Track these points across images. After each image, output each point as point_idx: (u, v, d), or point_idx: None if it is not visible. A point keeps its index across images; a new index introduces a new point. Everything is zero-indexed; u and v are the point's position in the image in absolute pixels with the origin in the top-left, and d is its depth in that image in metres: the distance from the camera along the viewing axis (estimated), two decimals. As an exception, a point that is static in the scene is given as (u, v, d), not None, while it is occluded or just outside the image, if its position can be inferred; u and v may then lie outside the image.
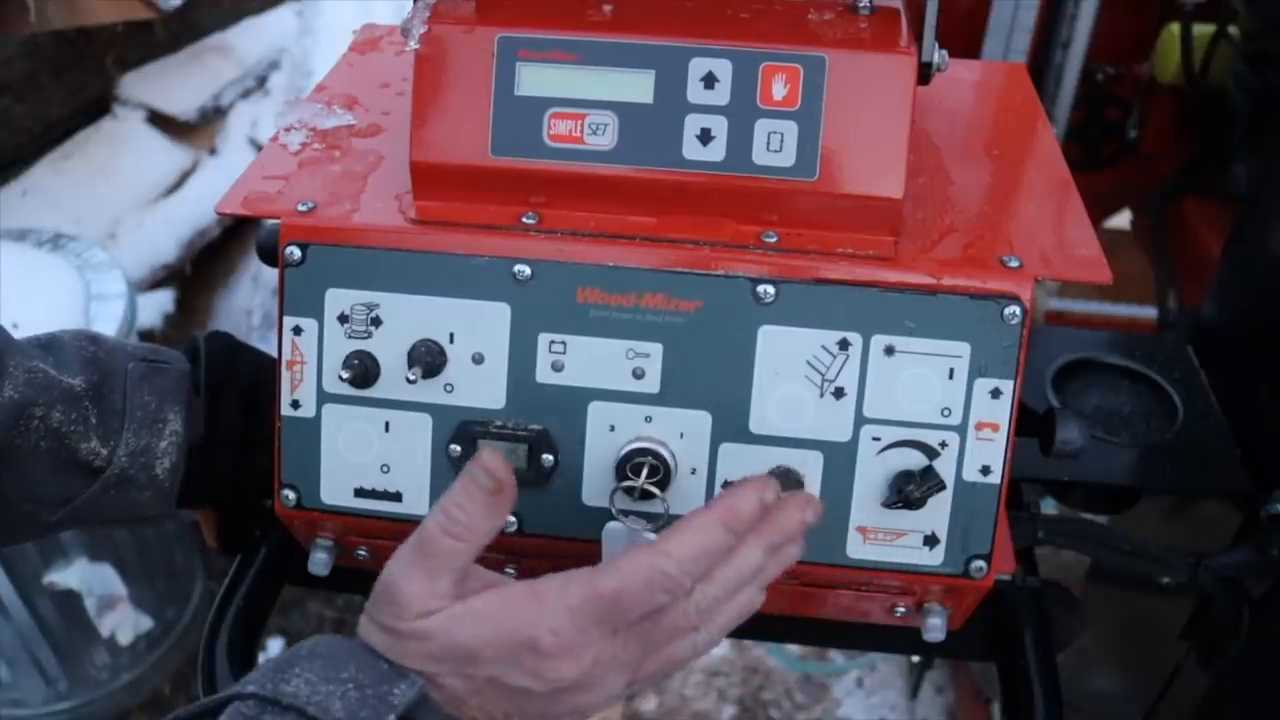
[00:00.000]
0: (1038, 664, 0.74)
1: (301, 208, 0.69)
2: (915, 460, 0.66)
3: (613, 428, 0.67)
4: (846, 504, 0.67)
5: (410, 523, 0.70)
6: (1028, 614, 0.76)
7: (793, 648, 2.13)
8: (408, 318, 0.67)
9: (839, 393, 0.66)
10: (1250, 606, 0.86)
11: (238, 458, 0.76)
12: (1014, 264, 0.65)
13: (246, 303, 2.44)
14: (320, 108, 0.80)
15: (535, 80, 0.66)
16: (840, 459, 0.67)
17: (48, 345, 0.70)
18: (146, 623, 1.91)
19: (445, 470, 0.69)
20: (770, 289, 0.65)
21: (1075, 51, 1.75)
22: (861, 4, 0.68)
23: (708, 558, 0.56)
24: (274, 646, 2.13)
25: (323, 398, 0.69)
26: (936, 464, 0.66)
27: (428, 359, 0.67)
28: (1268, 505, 0.84)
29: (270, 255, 0.70)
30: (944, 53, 0.66)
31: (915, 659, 1.98)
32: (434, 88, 0.67)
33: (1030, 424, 0.71)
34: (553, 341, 0.67)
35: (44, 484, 0.67)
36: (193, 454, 0.73)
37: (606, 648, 0.56)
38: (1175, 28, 1.74)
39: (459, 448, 0.68)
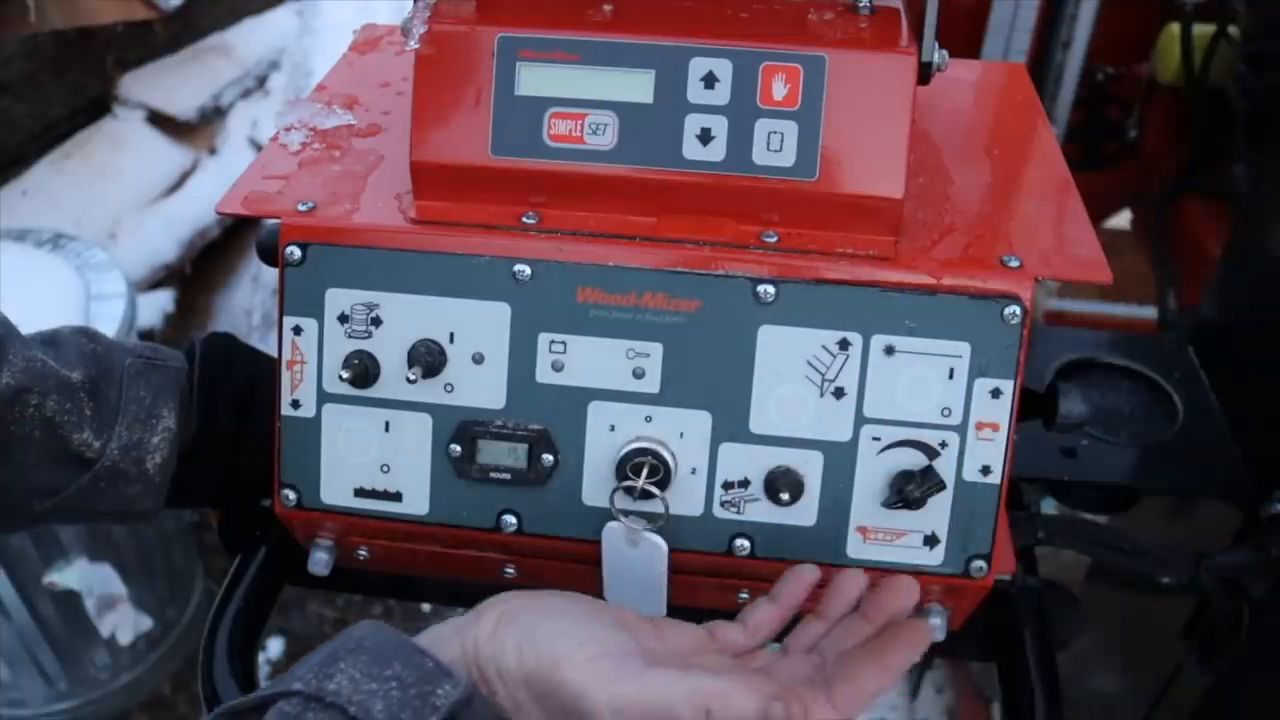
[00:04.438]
0: (1038, 664, 0.73)
1: (302, 208, 0.69)
2: (915, 460, 0.66)
3: (613, 428, 0.67)
4: (847, 504, 0.67)
5: (410, 523, 0.70)
6: (1028, 614, 0.76)
7: (793, 648, 2.13)
8: (408, 318, 0.67)
9: (839, 393, 0.66)
10: (1250, 606, 0.86)
11: (228, 457, 0.77)
12: (1014, 264, 0.65)
13: (246, 303, 2.44)
14: (320, 108, 0.80)
15: (535, 80, 0.66)
16: (840, 459, 0.67)
17: (49, 340, 0.71)
18: (146, 623, 1.91)
19: (445, 470, 0.69)
20: (770, 289, 0.65)
21: (1075, 51, 1.75)
22: (861, 4, 0.68)
23: None
24: (274, 647, 2.13)
25: (323, 398, 0.69)
26: (936, 464, 0.66)
27: (428, 359, 0.67)
28: (1268, 505, 0.84)
29: (270, 255, 0.70)
30: (944, 53, 0.65)
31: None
32: (434, 88, 0.67)
33: (1032, 404, 0.71)
34: (553, 341, 0.67)
35: (36, 472, 0.68)
36: (184, 452, 0.74)
37: None
38: (1175, 28, 1.74)
39: (459, 448, 0.68)
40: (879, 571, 0.68)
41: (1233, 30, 1.67)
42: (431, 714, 0.50)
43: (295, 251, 0.68)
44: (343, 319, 0.68)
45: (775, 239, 0.66)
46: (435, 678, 0.51)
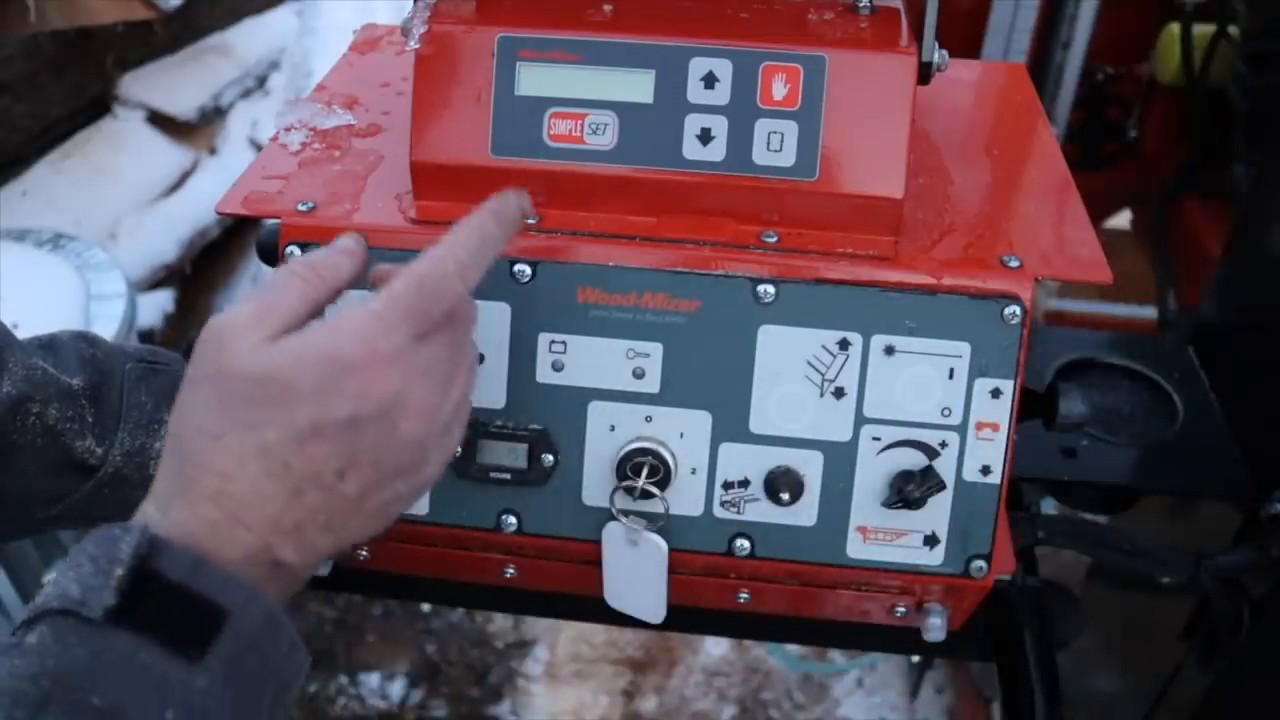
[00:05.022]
0: (1038, 664, 0.74)
1: (302, 207, 0.69)
2: (915, 460, 0.66)
3: (613, 428, 0.67)
4: (847, 504, 0.67)
5: (410, 523, 0.70)
6: (1028, 614, 0.76)
7: (793, 648, 2.13)
8: (408, 318, 0.67)
9: (839, 393, 0.66)
10: (1250, 606, 0.86)
11: None
12: (1014, 264, 0.65)
13: (246, 303, 2.43)
14: (320, 108, 0.80)
15: (535, 80, 0.66)
16: (840, 459, 0.67)
17: (48, 345, 0.70)
18: (146, 623, 1.90)
19: (445, 470, 0.69)
20: (770, 289, 0.65)
21: (1075, 51, 1.75)
22: (861, 4, 0.68)
23: (485, 247, 0.59)
24: (274, 646, 2.13)
25: (323, 398, 0.69)
26: (936, 464, 0.66)
27: (428, 359, 0.67)
28: (1268, 505, 0.84)
29: (270, 255, 0.69)
30: (944, 53, 0.66)
31: (915, 659, 1.98)
32: (434, 88, 0.67)
33: (1032, 404, 0.71)
34: (553, 341, 0.67)
35: (38, 481, 0.68)
36: None
37: (418, 354, 0.55)
38: (1175, 28, 1.74)
39: (459, 448, 0.68)
40: (878, 572, 0.68)
41: (1233, 30, 1.67)
42: (117, 566, 0.50)
43: (295, 251, 0.68)
44: (343, 319, 0.68)
45: (775, 239, 0.66)
46: (117, 538, 0.51)
